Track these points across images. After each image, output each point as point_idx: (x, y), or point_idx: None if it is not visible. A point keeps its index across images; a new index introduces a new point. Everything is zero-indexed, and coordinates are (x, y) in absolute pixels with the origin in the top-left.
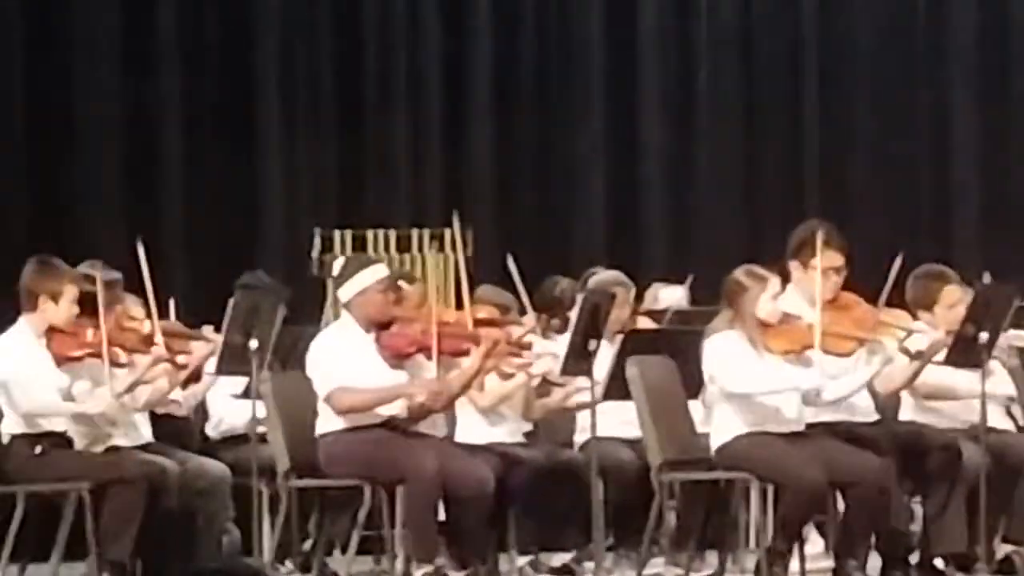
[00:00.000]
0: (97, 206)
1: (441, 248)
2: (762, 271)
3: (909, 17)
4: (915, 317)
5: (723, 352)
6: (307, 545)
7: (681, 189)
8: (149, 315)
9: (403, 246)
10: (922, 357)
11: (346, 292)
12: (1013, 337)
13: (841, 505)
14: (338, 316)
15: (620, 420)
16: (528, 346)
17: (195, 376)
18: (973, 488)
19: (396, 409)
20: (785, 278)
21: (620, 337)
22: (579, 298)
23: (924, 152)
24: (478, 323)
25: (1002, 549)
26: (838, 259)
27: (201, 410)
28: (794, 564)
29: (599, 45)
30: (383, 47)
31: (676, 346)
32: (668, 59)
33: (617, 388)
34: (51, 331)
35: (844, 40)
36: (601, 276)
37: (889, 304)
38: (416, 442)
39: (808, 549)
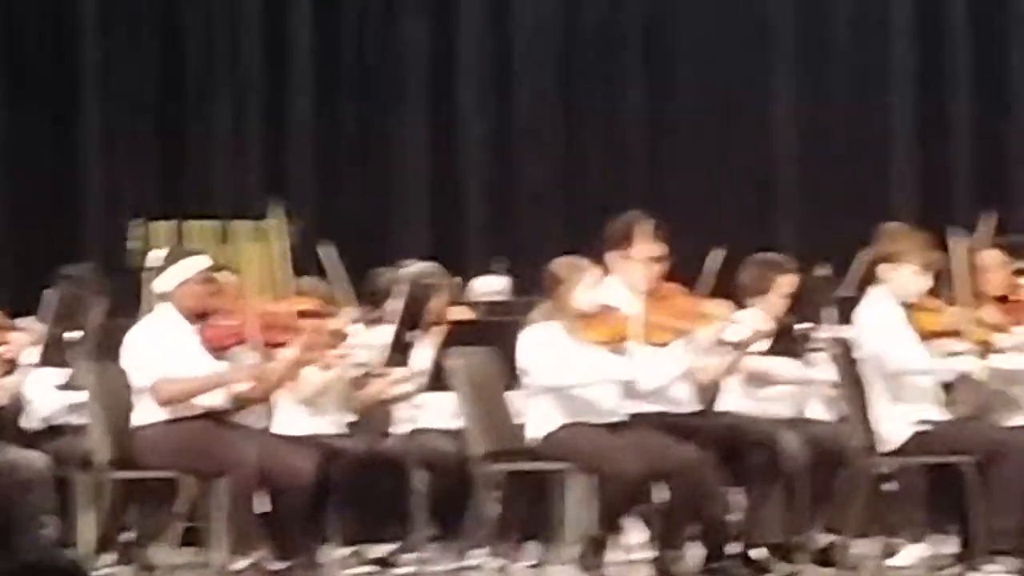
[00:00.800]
0: None
1: (262, 239)
2: (582, 262)
3: (732, 7)
4: (742, 305)
5: (540, 343)
6: (128, 537)
7: (503, 180)
8: None
9: (223, 237)
10: (739, 347)
11: (167, 282)
12: (839, 329)
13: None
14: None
15: (441, 411)
16: (347, 337)
17: (10, 367)
18: (793, 478)
19: (217, 400)
20: (605, 269)
21: (440, 328)
22: (399, 290)
23: (745, 143)
24: (299, 314)
25: (821, 539)
26: (658, 249)
27: (16, 401)
28: (616, 555)
29: (421, 36)
30: (204, 38)
31: (496, 337)
32: (487, 48)
33: (438, 379)
34: (907, 306)
35: (667, 29)
36: (419, 267)
37: (709, 295)
38: (236, 434)
39: (630, 539)
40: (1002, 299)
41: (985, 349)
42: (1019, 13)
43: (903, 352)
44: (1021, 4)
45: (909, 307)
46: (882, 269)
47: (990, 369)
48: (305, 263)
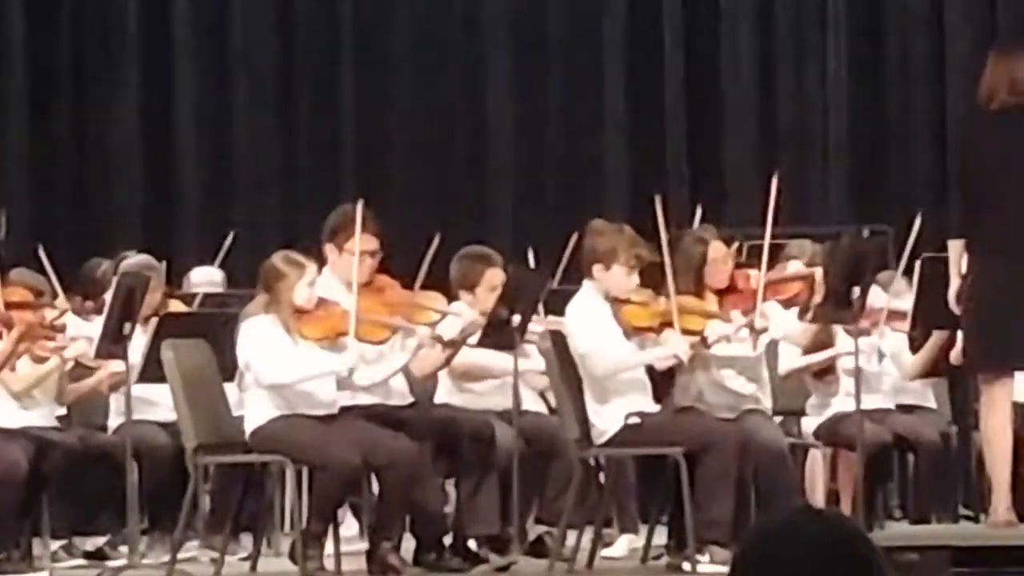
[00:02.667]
0: None
1: None
2: (299, 257)
3: (445, 3)
4: (456, 297)
5: (257, 338)
6: None
7: (219, 174)
8: None
9: None
10: (455, 341)
11: None
12: (551, 322)
13: (376, 488)
14: None
15: (155, 403)
16: (61, 329)
17: None
18: (506, 470)
19: None
20: (321, 262)
21: (154, 320)
22: (113, 281)
23: (461, 136)
24: (10, 306)
25: (535, 530)
26: (373, 242)
27: None
28: (329, 546)
29: (134, 35)
30: None
31: (211, 329)
32: (200, 40)
33: (152, 371)
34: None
35: (381, 23)
36: (133, 259)
37: (425, 287)
38: None
39: (343, 531)
40: (725, 291)
41: (702, 340)
42: (730, 12)
43: (609, 352)
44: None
45: (619, 302)
46: (592, 266)
47: (701, 358)
48: (17, 256)
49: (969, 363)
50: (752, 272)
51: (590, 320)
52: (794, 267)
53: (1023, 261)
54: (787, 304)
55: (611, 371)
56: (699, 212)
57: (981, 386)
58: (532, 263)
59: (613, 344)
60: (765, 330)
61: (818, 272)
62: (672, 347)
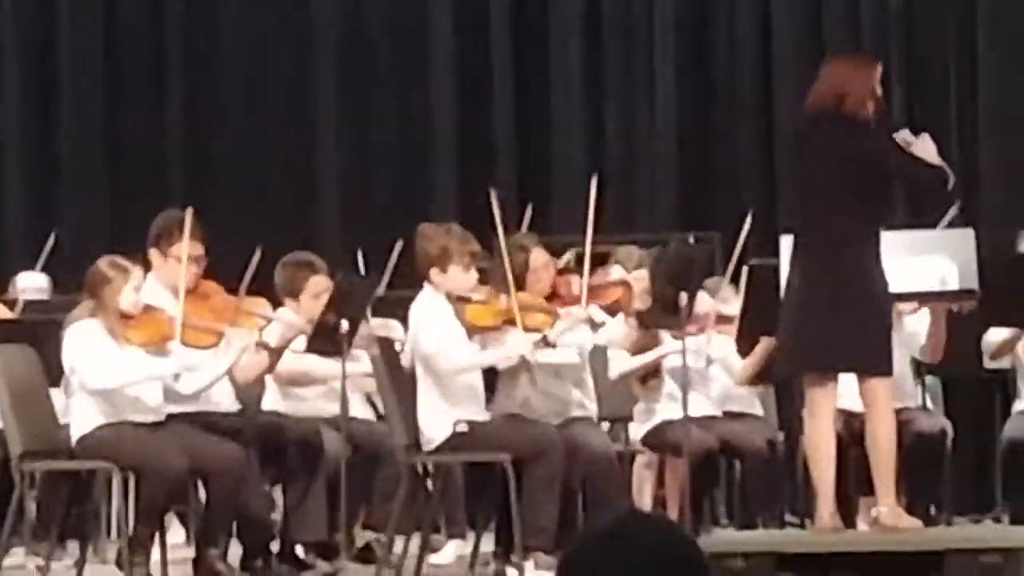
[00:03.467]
0: None
1: None
2: (125, 262)
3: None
4: (281, 304)
5: (82, 343)
6: None
7: (44, 177)
8: None
9: None
10: (279, 347)
11: None
12: (379, 327)
13: (203, 495)
14: None
15: None
16: None
17: None
18: (334, 476)
19: None
20: (146, 267)
21: None
22: None
23: (287, 141)
24: None
25: (362, 536)
26: (199, 248)
27: None
28: (156, 553)
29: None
30: None
31: (35, 335)
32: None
33: None
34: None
35: (207, 27)
36: None
37: (250, 293)
38: None
39: (170, 538)
40: (547, 298)
41: (544, 338)
42: (559, 16)
43: (455, 352)
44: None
45: (461, 300)
46: (428, 270)
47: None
48: None
49: (782, 364)
50: (573, 279)
51: (434, 319)
52: (616, 273)
53: (841, 263)
54: (609, 311)
55: (457, 369)
56: (528, 214)
57: (805, 391)
58: (362, 267)
59: (458, 344)
60: (603, 323)
61: (638, 277)
62: (516, 347)
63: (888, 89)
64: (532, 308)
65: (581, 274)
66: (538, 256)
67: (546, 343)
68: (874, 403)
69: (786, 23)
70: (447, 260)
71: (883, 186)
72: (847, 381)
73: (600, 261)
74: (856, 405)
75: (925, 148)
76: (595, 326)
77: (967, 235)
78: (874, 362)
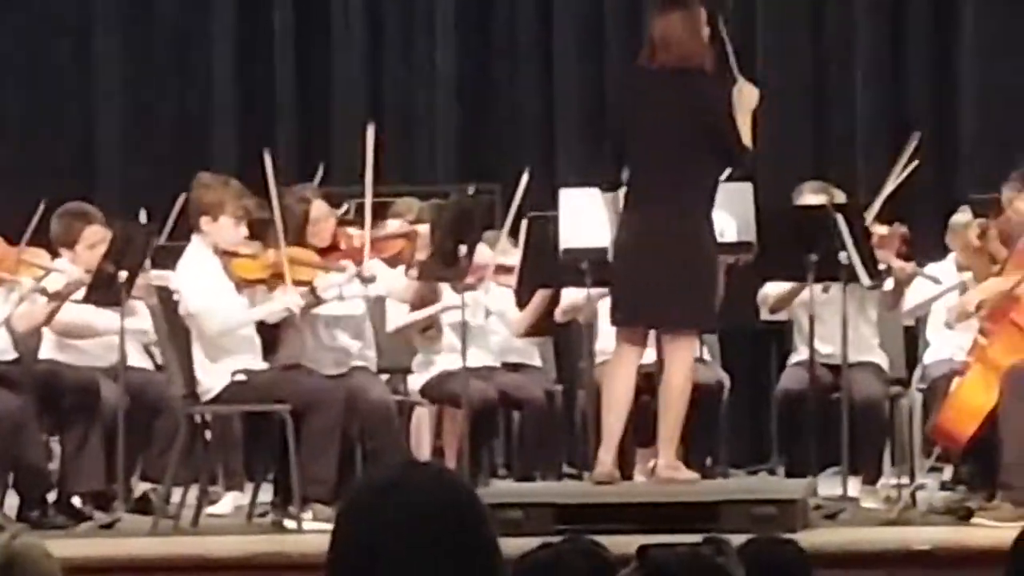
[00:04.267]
0: None
1: None
2: None
3: None
4: (57, 255)
5: None
6: None
7: None
8: None
9: None
10: (58, 294)
11: None
12: (158, 277)
13: None
14: None
15: None
16: None
17: None
18: (111, 427)
19: None
20: None
21: None
22: None
23: (70, 100)
24: None
25: (139, 487)
26: None
27: None
28: None
29: None
30: None
31: None
32: None
33: None
34: (227, 254)
35: None
36: None
37: (32, 245)
38: None
39: None
40: (328, 249)
41: (312, 290)
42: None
43: (221, 310)
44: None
45: (228, 254)
46: (200, 218)
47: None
48: None
49: (615, 313)
50: (354, 231)
51: (200, 277)
52: (396, 225)
53: (660, 216)
54: (391, 262)
55: (223, 329)
56: (320, 173)
57: (616, 340)
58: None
59: (224, 301)
60: (374, 279)
61: (421, 229)
62: (284, 300)
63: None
64: (301, 262)
65: (362, 226)
66: (319, 208)
67: (314, 295)
68: (675, 355)
69: None
70: (220, 209)
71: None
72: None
73: (379, 213)
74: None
75: (744, 120)
76: (364, 281)
77: (745, 189)
78: (697, 319)
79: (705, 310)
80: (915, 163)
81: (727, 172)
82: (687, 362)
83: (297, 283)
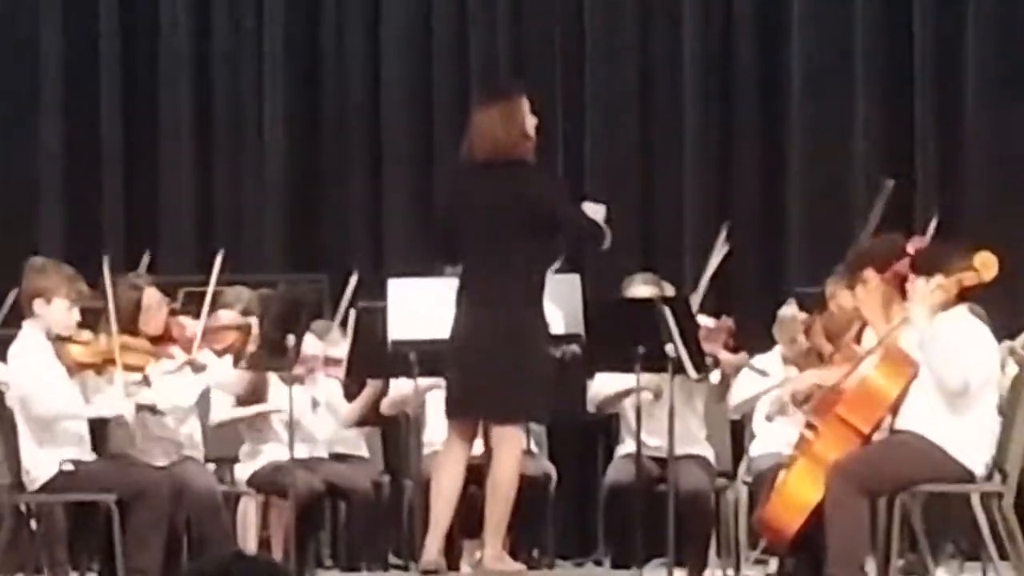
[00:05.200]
0: None
1: None
2: None
3: None
4: None
5: None
6: None
7: None
8: None
9: None
10: None
11: None
12: None
13: None
14: None
15: None
16: None
17: None
18: None
19: None
20: None
21: None
22: None
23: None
24: None
25: None
26: None
27: None
28: None
29: None
30: None
31: None
32: None
33: None
34: (60, 339)
35: None
36: None
37: None
38: None
39: None
40: (160, 339)
41: (145, 378)
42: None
43: (54, 393)
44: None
45: (61, 339)
46: (32, 301)
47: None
48: None
49: (449, 406)
50: (187, 320)
51: (32, 361)
52: (228, 316)
53: (490, 311)
54: (222, 353)
55: (56, 414)
56: (146, 260)
57: (448, 431)
58: None
59: (57, 386)
60: (205, 367)
61: (254, 321)
62: (118, 406)
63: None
64: (133, 348)
65: (194, 315)
66: (150, 296)
67: (146, 383)
68: (502, 446)
69: (395, 58)
70: (54, 292)
71: (551, 229)
72: None
73: (212, 303)
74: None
75: (594, 209)
76: (196, 369)
77: (573, 280)
78: (528, 411)
79: (536, 402)
80: (726, 251)
81: (557, 263)
82: (515, 454)
83: (128, 368)
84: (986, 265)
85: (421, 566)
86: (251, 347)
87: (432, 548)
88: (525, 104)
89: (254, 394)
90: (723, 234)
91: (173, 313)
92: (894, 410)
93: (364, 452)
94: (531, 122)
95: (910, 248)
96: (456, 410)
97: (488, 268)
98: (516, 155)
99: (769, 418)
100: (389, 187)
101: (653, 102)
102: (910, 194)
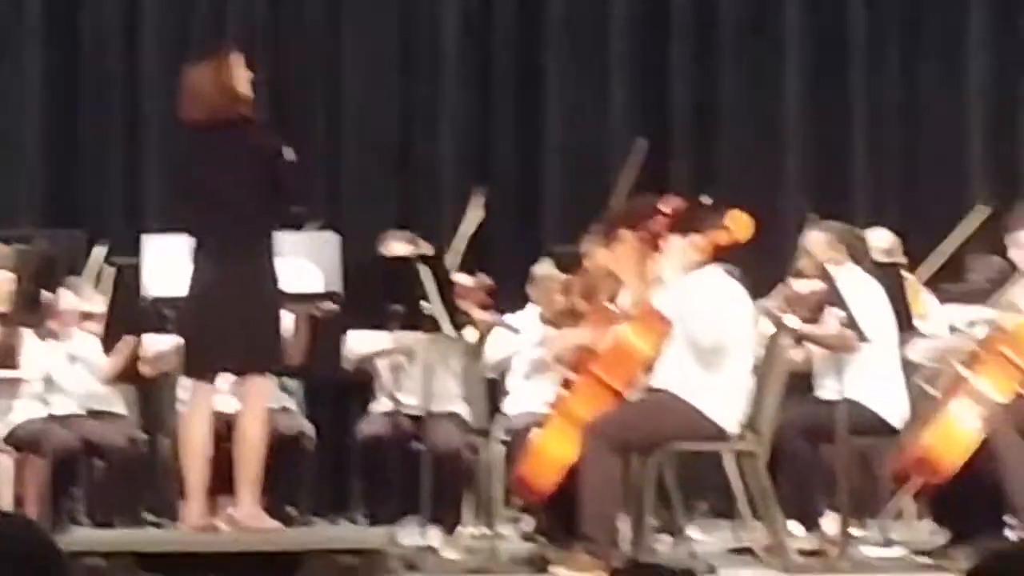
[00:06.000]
0: None
1: None
2: None
3: None
4: None
5: None
6: None
7: None
8: None
9: None
10: None
11: None
12: None
13: None
14: None
15: None
16: None
17: None
18: None
19: None
20: None
21: None
22: None
23: None
24: None
25: None
26: None
27: None
28: None
29: None
30: None
31: None
32: None
33: None
34: None
35: None
36: None
37: None
38: None
39: None
40: None
41: None
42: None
43: None
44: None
45: None
46: None
47: None
48: None
49: (185, 364)
50: None
51: None
52: None
53: (221, 267)
54: None
55: None
56: None
57: (192, 389)
58: None
59: None
60: None
61: (10, 276)
62: None
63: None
64: None
65: None
66: None
67: None
68: (250, 401)
69: (153, 29)
70: None
71: (272, 184)
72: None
73: None
74: (223, 405)
75: (288, 152)
76: None
77: (331, 238)
78: (259, 360)
79: (269, 353)
80: (481, 216)
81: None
82: (261, 409)
83: None
84: (739, 224)
85: (181, 524)
86: (4, 305)
87: (193, 511)
88: (238, 62)
89: (8, 350)
90: (479, 193)
91: None
92: (648, 368)
93: (121, 409)
94: (245, 80)
95: (664, 207)
96: (196, 367)
97: (217, 225)
98: (232, 113)
99: (528, 377)
100: (148, 142)
101: (413, 65)
102: (664, 154)
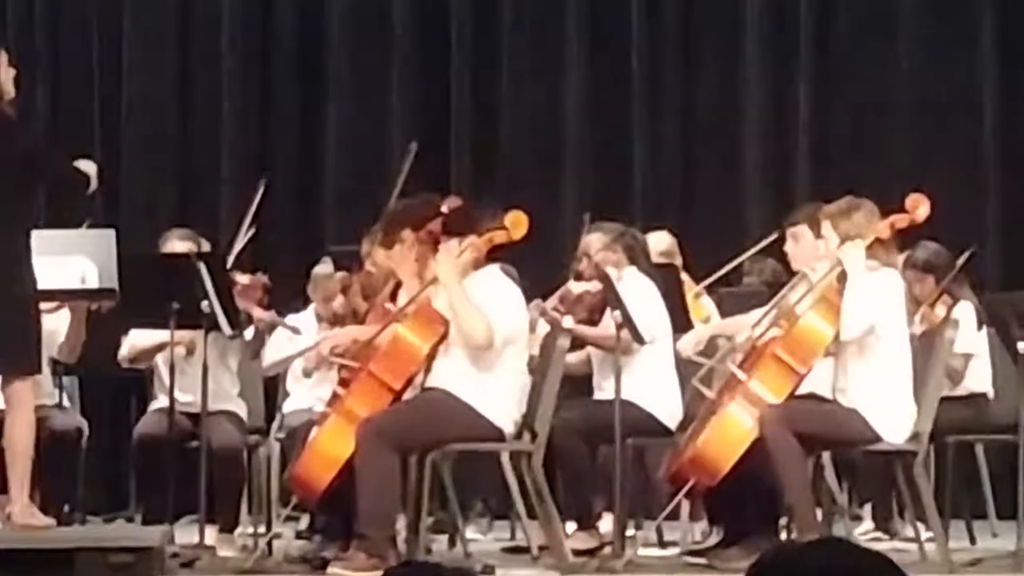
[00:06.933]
0: None
1: None
2: None
3: None
4: None
5: None
6: None
7: None
8: None
9: None
10: None
11: None
12: None
13: None
14: None
15: None
16: None
17: None
18: None
19: None
20: None
21: None
22: None
23: None
24: None
25: None
26: None
27: None
28: None
29: None
30: None
31: None
32: None
33: None
34: None
35: None
36: None
37: None
38: None
39: None
40: None
41: None
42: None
43: None
44: None
45: None
46: None
47: None
48: None
49: None
50: None
51: None
52: None
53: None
54: None
55: None
56: None
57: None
58: None
59: None
60: None
61: None
62: None
63: (32, 84)
64: None
65: None
66: None
67: None
68: (15, 403)
69: None
70: None
71: (35, 185)
72: None
73: None
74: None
75: (86, 164)
76: None
77: (108, 235)
78: (17, 362)
79: (25, 353)
80: (256, 208)
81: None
82: (25, 412)
83: None
84: (516, 224)
85: (13, 526)
86: None
87: (16, 508)
88: (1, 59)
89: None
90: (260, 190)
91: None
92: (425, 368)
93: None
94: (8, 76)
95: (444, 208)
96: None
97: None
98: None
99: (307, 373)
100: None
101: (188, 56)
102: (446, 156)
